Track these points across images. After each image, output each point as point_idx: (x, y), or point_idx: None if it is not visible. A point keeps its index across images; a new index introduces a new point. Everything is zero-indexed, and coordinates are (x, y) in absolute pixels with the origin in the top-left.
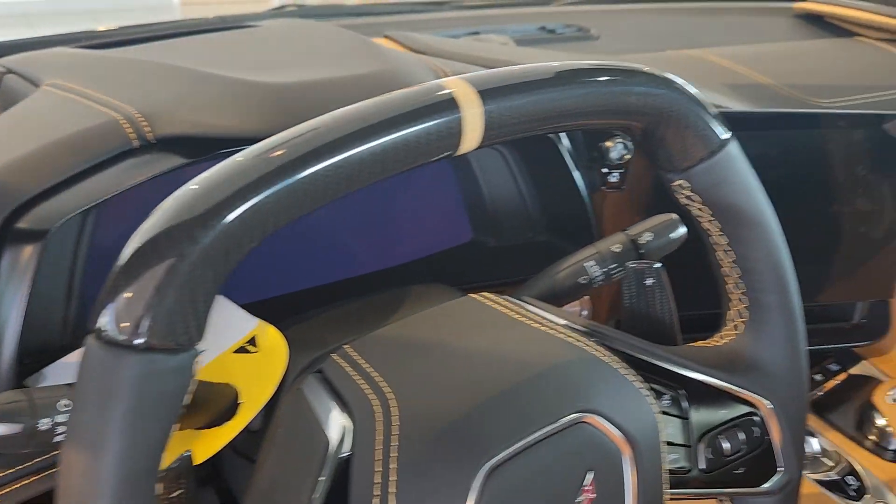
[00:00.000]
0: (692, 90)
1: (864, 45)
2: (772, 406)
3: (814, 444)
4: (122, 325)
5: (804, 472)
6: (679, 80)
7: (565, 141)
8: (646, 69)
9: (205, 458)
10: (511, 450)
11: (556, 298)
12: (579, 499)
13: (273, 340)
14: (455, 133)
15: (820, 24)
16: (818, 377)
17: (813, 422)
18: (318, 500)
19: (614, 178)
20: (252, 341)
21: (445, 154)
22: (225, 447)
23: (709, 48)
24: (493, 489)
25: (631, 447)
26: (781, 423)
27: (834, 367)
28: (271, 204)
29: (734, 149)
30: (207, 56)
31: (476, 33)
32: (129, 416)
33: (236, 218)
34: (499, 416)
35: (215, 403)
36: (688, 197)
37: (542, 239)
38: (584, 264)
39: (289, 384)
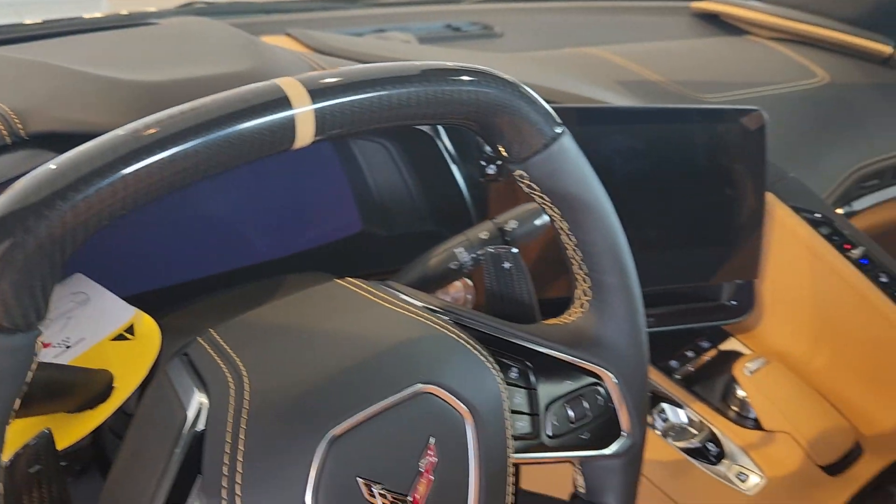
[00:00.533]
0: (523, 87)
1: (755, 43)
2: (614, 377)
3: (681, 416)
4: None
5: (670, 442)
6: (510, 78)
7: (444, 136)
8: (478, 68)
9: (75, 440)
10: (353, 420)
11: (429, 283)
12: (422, 462)
13: (148, 328)
14: (288, 129)
15: (715, 22)
16: (690, 353)
17: (682, 395)
18: (172, 472)
19: (491, 170)
20: (130, 329)
21: (282, 148)
22: (107, 430)
23: (606, 46)
24: (336, 457)
25: (473, 415)
26: (623, 392)
27: (705, 344)
28: (103, 197)
29: (567, 141)
30: (95, 54)
31: (382, 31)
32: None
33: (69, 210)
34: (342, 389)
35: (89, 388)
36: (529, 186)
37: (429, 228)
38: (455, 251)
39: (159, 368)
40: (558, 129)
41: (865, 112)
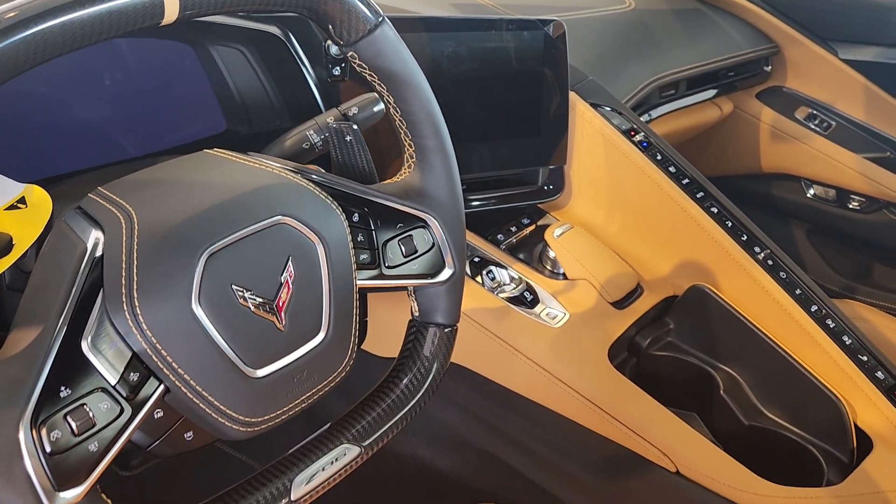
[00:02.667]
0: None
1: None
2: (436, 220)
3: (504, 275)
4: None
5: (497, 294)
6: None
7: (295, 41)
8: None
9: None
10: (225, 241)
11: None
12: (283, 276)
13: (39, 196)
14: (158, 5)
15: None
16: (514, 228)
17: (506, 259)
18: (78, 288)
19: (337, 71)
20: (22, 200)
21: (152, 23)
22: (5, 289)
23: None
24: (213, 270)
25: (322, 242)
26: (444, 232)
27: (526, 220)
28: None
29: (388, 28)
30: None
31: None
32: None
33: None
34: (215, 218)
35: (5, 240)
36: (360, 66)
37: (287, 125)
38: (306, 133)
39: (56, 221)
40: (380, 18)
41: (664, 33)
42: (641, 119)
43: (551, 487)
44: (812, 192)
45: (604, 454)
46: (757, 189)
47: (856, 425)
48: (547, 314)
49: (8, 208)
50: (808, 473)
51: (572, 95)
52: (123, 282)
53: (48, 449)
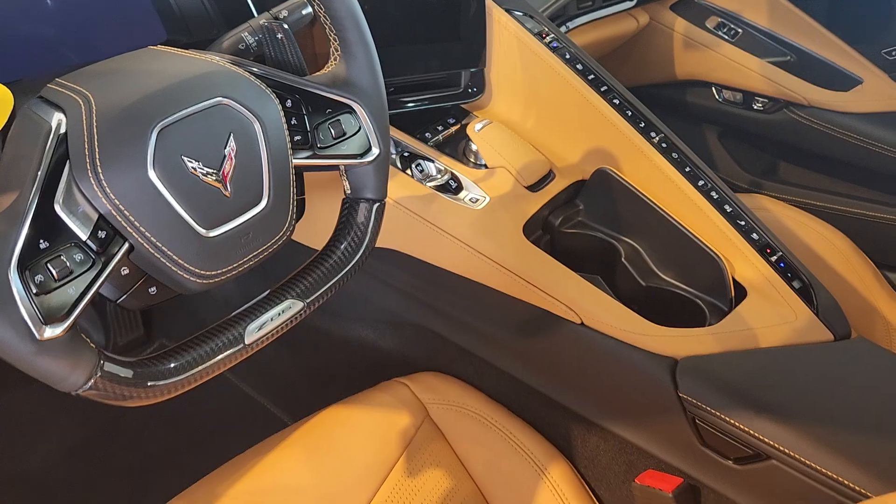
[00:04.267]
0: None
1: None
2: (361, 106)
3: (431, 167)
4: None
5: (425, 184)
6: None
7: None
8: None
9: None
10: (173, 117)
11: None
12: (226, 150)
13: (1, 91)
14: None
15: None
16: (440, 128)
17: (433, 154)
18: (46, 161)
19: None
20: None
21: None
22: None
23: None
24: (164, 142)
25: (259, 122)
26: (369, 116)
27: (451, 120)
28: None
29: None
30: None
31: None
32: None
33: None
34: (164, 99)
35: None
36: None
37: (224, 33)
38: (241, 35)
39: (20, 109)
40: None
41: None
42: (560, 29)
43: (478, 350)
44: (722, 96)
45: (520, 315)
46: (673, 96)
47: (734, 279)
48: (470, 199)
49: None
50: (694, 320)
51: (488, 2)
52: (87, 153)
53: (34, 290)
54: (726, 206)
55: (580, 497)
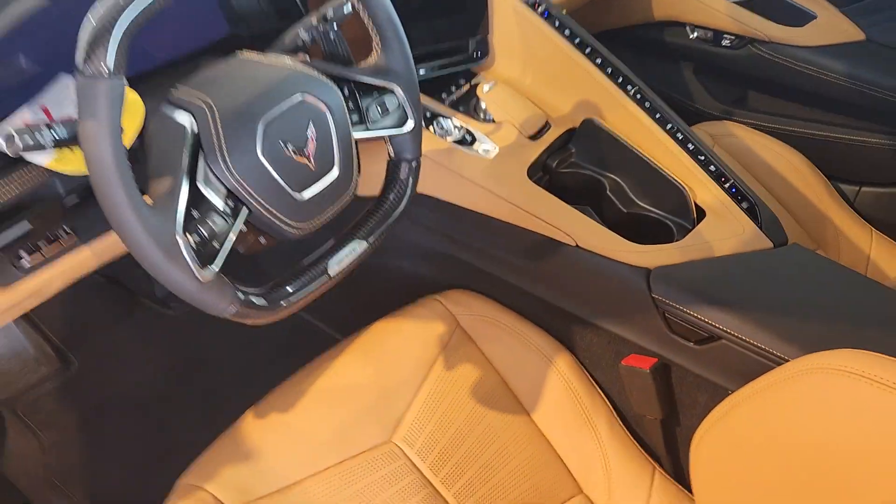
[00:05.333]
0: None
1: None
2: (399, 87)
3: (449, 124)
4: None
5: (446, 139)
6: None
7: None
8: None
9: None
10: (272, 113)
11: (287, 54)
12: (308, 133)
13: (132, 95)
14: None
15: None
16: (453, 88)
17: (450, 112)
18: (188, 151)
19: None
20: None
21: None
22: None
23: None
24: (268, 131)
25: (329, 110)
26: (406, 95)
27: (462, 81)
28: None
29: None
30: None
31: None
32: (105, 122)
33: None
34: (263, 100)
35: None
36: None
37: (278, 26)
38: (297, 32)
39: (153, 112)
40: None
41: None
42: None
43: (494, 271)
44: (695, 34)
45: (527, 241)
46: (652, 36)
47: (695, 203)
48: (483, 150)
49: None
50: (664, 237)
51: None
52: (216, 145)
53: (193, 246)
54: (689, 145)
55: (580, 379)
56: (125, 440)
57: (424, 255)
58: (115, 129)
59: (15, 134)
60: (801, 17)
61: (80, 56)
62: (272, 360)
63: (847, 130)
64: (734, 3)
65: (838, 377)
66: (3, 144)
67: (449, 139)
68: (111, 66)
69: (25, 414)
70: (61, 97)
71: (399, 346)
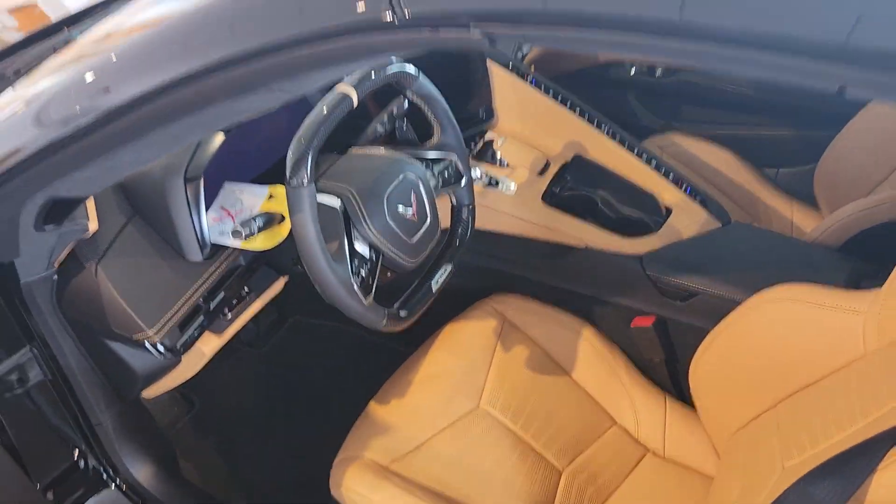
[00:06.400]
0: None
1: None
2: (456, 157)
3: (477, 172)
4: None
5: (478, 184)
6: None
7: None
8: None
9: (281, 240)
10: (390, 188)
11: (375, 142)
12: (412, 198)
13: (279, 190)
14: (349, 98)
15: None
16: (472, 145)
17: (476, 163)
18: (343, 226)
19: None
20: (272, 195)
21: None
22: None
23: None
24: (389, 201)
25: (420, 179)
26: (460, 162)
27: (478, 138)
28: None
29: (423, 77)
30: None
31: None
32: (308, 214)
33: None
34: (383, 181)
35: (279, 218)
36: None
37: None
38: (376, 126)
39: None
40: (419, 72)
41: None
42: (522, 50)
43: (525, 273)
44: (633, 69)
45: (546, 249)
46: (601, 74)
47: (664, 203)
48: (506, 188)
49: (269, 198)
50: (645, 231)
51: (488, 62)
52: (360, 216)
53: (359, 283)
54: (652, 161)
55: (602, 342)
56: (257, 452)
57: (471, 271)
58: (315, 219)
59: (241, 229)
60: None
61: (288, 173)
62: (347, 371)
63: (763, 127)
64: None
65: (778, 303)
66: (234, 237)
67: (480, 184)
68: (306, 178)
69: None
70: (231, 199)
71: (467, 339)
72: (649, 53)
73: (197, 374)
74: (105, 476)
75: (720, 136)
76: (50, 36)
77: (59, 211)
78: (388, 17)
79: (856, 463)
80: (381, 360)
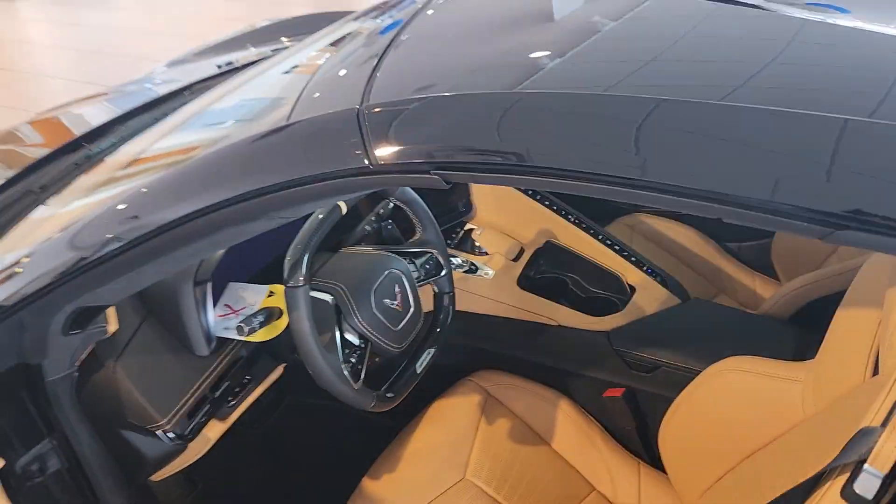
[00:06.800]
0: None
1: None
2: (436, 251)
3: (458, 261)
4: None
5: (461, 273)
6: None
7: None
8: None
9: (278, 333)
10: (376, 284)
11: (362, 242)
12: (396, 290)
13: (278, 288)
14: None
15: None
16: (454, 236)
17: (456, 252)
18: (334, 320)
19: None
20: (271, 293)
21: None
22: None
23: None
24: (376, 296)
25: (403, 273)
26: (440, 255)
27: (458, 229)
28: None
29: (408, 189)
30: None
31: None
32: (303, 311)
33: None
34: (370, 277)
35: (276, 312)
36: (397, 199)
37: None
38: (364, 227)
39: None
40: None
41: None
42: None
43: (504, 350)
44: None
45: (523, 328)
46: None
47: (628, 283)
48: (484, 273)
49: (269, 295)
50: (612, 309)
51: None
52: (351, 310)
53: (348, 370)
54: (616, 246)
55: (578, 413)
56: None
57: (457, 350)
58: (310, 315)
59: (244, 325)
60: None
61: (286, 275)
62: (340, 447)
63: None
64: None
65: (728, 374)
66: (238, 332)
67: (460, 271)
68: (301, 279)
69: None
70: (235, 297)
71: (452, 415)
72: (580, 192)
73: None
74: None
75: (683, 216)
76: (71, 152)
77: (84, 318)
78: (365, 163)
79: None
80: (373, 435)
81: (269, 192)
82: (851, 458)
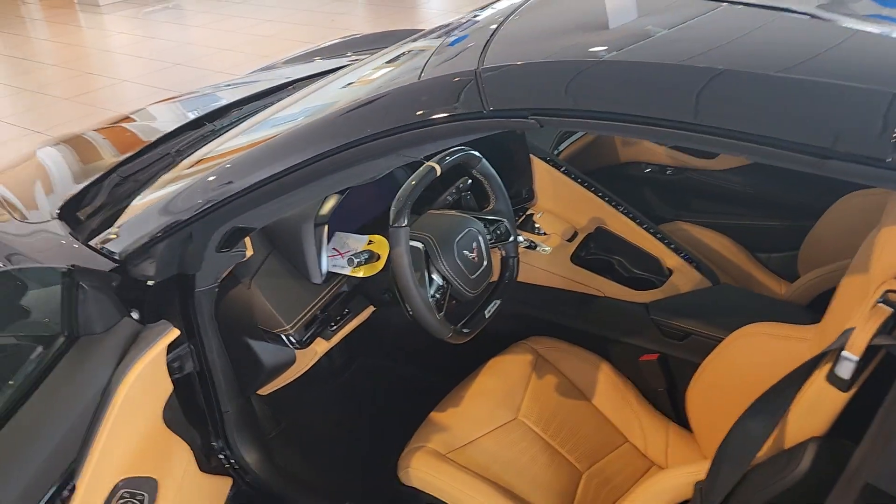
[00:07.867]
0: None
1: None
2: (506, 220)
3: (521, 238)
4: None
5: (523, 248)
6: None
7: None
8: None
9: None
10: (459, 236)
11: (442, 206)
12: (474, 244)
13: (378, 237)
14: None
15: None
16: (518, 216)
17: (519, 231)
18: (424, 262)
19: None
20: (371, 241)
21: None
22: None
23: None
24: (458, 246)
25: (479, 232)
26: (509, 223)
27: (521, 213)
28: None
29: (486, 164)
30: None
31: None
32: (403, 248)
33: None
34: (453, 231)
35: (376, 256)
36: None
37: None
38: (447, 196)
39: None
40: (481, 157)
41: None
42: (558, 148)
43: (555, 319)
44: (648, 169)
45: (573, 298)
46: (621, 171)
47: (667, 267)
48: (542, 250)
49: (369, 243)
50: (651, 286)
51: (531, 155)
52: (437, 256)
53: (434, 304)
54: (658, 235)
55: (616, 375)
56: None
57: (509, 317)
58: (408, 252)
59: (354, 258)
60: (713, 152)
61: (392, 218)
62: (402, 403)
63: (753, 217)
64: (670, 147)
65: (748, 337)
66: (348, 264)
67: (522, 247)
68: (404, 222)
69: None
70: (341, 243)
71: (508, 368)
72: (647, 137)
73: (288, 399)
74: (221, 455)
75: (720, 225)
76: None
77: (234, 238)
78: (480, 108)
79: (779, 398)
80: (431, 396)
81: (405, 131)
82: (834, 347)
